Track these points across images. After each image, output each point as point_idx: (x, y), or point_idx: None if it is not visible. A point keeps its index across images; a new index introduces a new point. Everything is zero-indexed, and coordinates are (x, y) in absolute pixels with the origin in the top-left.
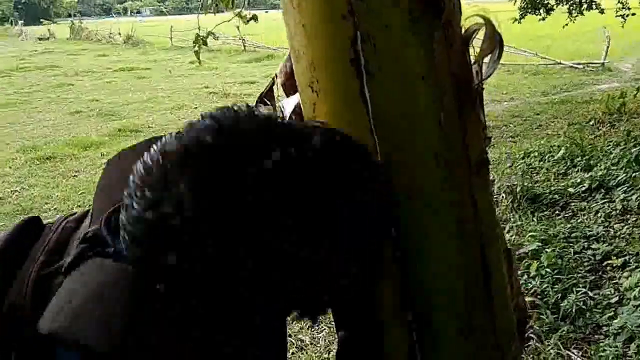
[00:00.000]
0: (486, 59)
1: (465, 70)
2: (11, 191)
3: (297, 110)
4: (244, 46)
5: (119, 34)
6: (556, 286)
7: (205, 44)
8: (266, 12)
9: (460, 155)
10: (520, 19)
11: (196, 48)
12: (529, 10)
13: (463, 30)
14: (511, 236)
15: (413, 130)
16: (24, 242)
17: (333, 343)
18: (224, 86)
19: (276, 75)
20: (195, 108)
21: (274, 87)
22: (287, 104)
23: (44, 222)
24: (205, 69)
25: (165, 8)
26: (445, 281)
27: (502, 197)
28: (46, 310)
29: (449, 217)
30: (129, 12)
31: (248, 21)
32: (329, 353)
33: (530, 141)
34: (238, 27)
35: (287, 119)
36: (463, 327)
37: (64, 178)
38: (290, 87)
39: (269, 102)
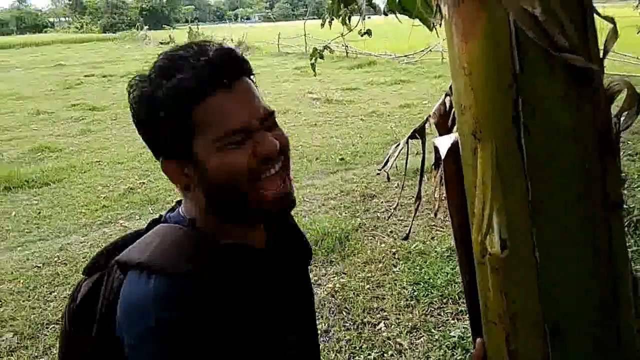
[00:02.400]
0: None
1: (608, 124)
2: (140, 183)
3: (452, 149)
4: (347, 52)
5: (231, 39)
6: None
7: (322, 57)
8: (369, 17)
9: (599, 196)
10: None
11: (312, 60)
12: None
13: (607, 88)
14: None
15: (560, 174)
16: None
17: (432, 350)
18: (326, 92)
19: (430, 115)
20: (299, 113)
21: (426, 125)
22: (441, 143)
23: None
24: (309, 75)
25: (273, 14)
26: (579, 301)
27: None
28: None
29: (586, 249)
30: (239, 18)
31: (362, 35)
32: (427, 359)
33: None
34: (342, 35)
35: (443, 157)
36: (594, 338)
37: None
38: (442, 127)
39: (419, 137)
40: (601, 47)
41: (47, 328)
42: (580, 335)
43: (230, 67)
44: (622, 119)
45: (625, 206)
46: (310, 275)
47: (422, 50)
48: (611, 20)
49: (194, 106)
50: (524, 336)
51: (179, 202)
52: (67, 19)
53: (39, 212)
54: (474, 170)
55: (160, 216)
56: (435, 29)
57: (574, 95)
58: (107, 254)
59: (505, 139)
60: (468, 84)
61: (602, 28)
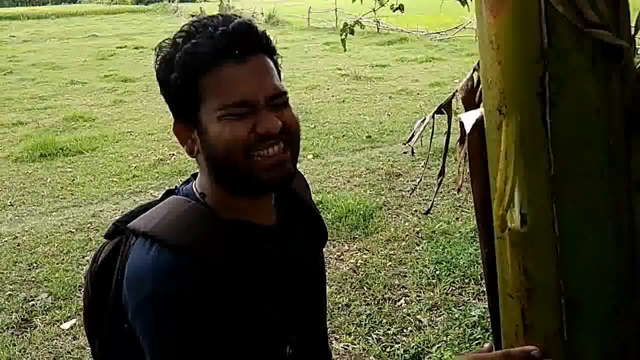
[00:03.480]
0: None
1: (636, 102)
2: (169, 154)
3: (477, 124)
4: (378, 28)
5: (262, 12)
6: None
7: (352, 32)
8: None
9: (622, 170)
10: None
11: (343, 36)
12: None
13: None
14: None
15: (584, 149)
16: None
17: (452, 327)
18: (356, 68)
19: (457, 91)
20: (328, 89)
21: (452, 100)
22: (467, 118)
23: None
24: (339, 51)
25: None
26: (596, 274)
27: None
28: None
29: (606, 221)
30: None
31: (395, 10)
32: (446, 336)
33: None
34: (374, 10)
35: (468, 132)
36: (609, 313)
37: None
38: (468, 102)
39: (445, 112)
40: (633, 23)
41: (79, 290)
42: (596, 310)
43: (246, 40)
44: None
45: None
46: (334, 250)
47: (456, 27)
48: None
49: (205, 72)
50: (540, 310)
51: (194, 176)
52: None
53: (73, 180)
54: (498, 145)
55: (176, 187)
56: (467, 5)
57: (601, 71)
58: (127, 219)
59: (530, 113)
60: (495, 58)
61: (636, 6)
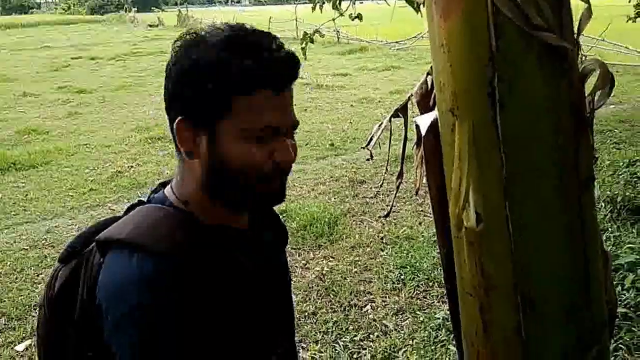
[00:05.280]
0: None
1: (581, 101)
2: (128, 166)
3: (433, 127)
4: (338, 38)
5: (221, 22)
6: None
7: (312, 41)
8: (360, 2)
9: (571, 168)
10: (636, 17)
11: (303, 45)
12: None
13: (580, 68)
14: (608, 246)
15: (534, 147)
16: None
17: (417, 331)
18: (317, 77)
19: (412, 94)
20: None
21: (408, 103)
22: (422, 121)
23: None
24: (300, 60)
25: None
26: (551, 271)
27: (602, 206)
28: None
29: (557, 218)
30: (230, 2)
31: (353, 19)
32: (412, 340)
33: (637, 149)
34: (334, 19)
35: (423, 134)
36: (563, 309)
37: (172, 157)
38: (423, 106)
39: (401, 115)
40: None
41: (34, 310)
42: (552, 306)
43: (290, 75)
44: (596, 97)
45: (609, 192)
46: (299, 259)
47: (414, 37)
48: (586, 0)
49: (245, 94)
50: (498, 307)
51: (162, 184)
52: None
53: (26, 195)
54: (452, 147)
55: (139, 201)
56: (421, 12)
57: (548, 73)
58: (85, 239)
59: (481, 114)
60: (446, 61)
61: (579, 10)
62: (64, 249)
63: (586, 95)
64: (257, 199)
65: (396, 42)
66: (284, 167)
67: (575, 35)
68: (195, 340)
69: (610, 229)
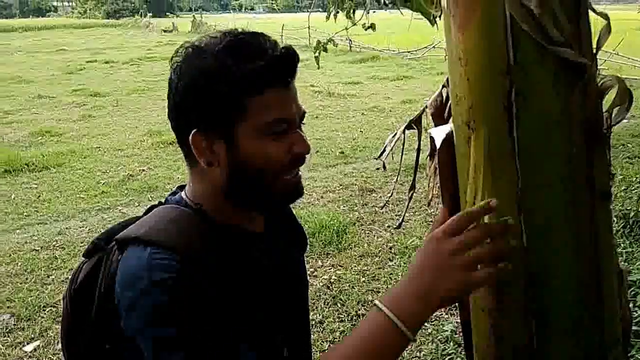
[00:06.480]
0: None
1: (597, 116)
2: (140, 170)
3: (447, 139)
4: (350, 47)
5: (235, 29)
6: None
7: (325, 50)
8: (373, 12)
9: (585, 183)
10: None
11: (317, 54)
12: None
13: (599, 83)
14: (620, 262)
15: (547, 159)
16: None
17: (425, 343)
18: (329, 85)
19: (427, 106)
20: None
21: (422, 115)
22: (437, 133)
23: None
24: (312, 68)
25: (277, 5)
26: (562, 285)
27: (614, 221)
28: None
29: (571, 233)
30: (243, 9)
31: (367, 29)
32: (420, 352)
33: None
34: (347, 28)
35: (438, 146)
36: (574, 325)
37: (183, 162)
38: (438, 118)
39: (415, 127)
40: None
41: (43, 310)
42: (565, 322)
43: (293, 67)
44: (613, 114)
45: (621, 208)
46: (307, 267)
47: (426, 47)
48: (605, 16)
49: (256, 94)
50: (510, 323)
51: (180, 187)
52: (70, 3)
53: (39, 196)
54: (467, 159)
55: (159, 202)
56: (436, 24)
57: (564, 87)
58: (108, 236)
59: (497, 128)
60: (463, 74)
61: (598, 26)
62: (89, 244)
63: (604, 111)
64: (278, 196)
65: (408, 52)
66: (301, 158)
67: (594, 51)
68: (207, 318)
69: (622, 245)
